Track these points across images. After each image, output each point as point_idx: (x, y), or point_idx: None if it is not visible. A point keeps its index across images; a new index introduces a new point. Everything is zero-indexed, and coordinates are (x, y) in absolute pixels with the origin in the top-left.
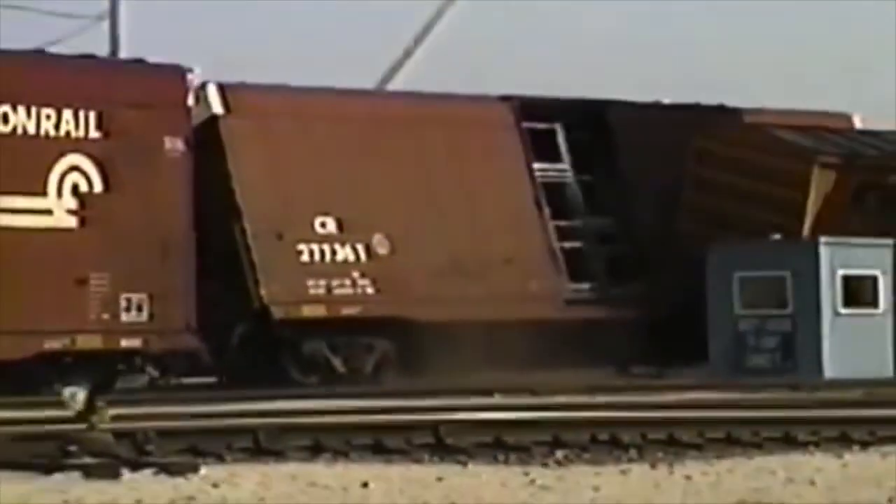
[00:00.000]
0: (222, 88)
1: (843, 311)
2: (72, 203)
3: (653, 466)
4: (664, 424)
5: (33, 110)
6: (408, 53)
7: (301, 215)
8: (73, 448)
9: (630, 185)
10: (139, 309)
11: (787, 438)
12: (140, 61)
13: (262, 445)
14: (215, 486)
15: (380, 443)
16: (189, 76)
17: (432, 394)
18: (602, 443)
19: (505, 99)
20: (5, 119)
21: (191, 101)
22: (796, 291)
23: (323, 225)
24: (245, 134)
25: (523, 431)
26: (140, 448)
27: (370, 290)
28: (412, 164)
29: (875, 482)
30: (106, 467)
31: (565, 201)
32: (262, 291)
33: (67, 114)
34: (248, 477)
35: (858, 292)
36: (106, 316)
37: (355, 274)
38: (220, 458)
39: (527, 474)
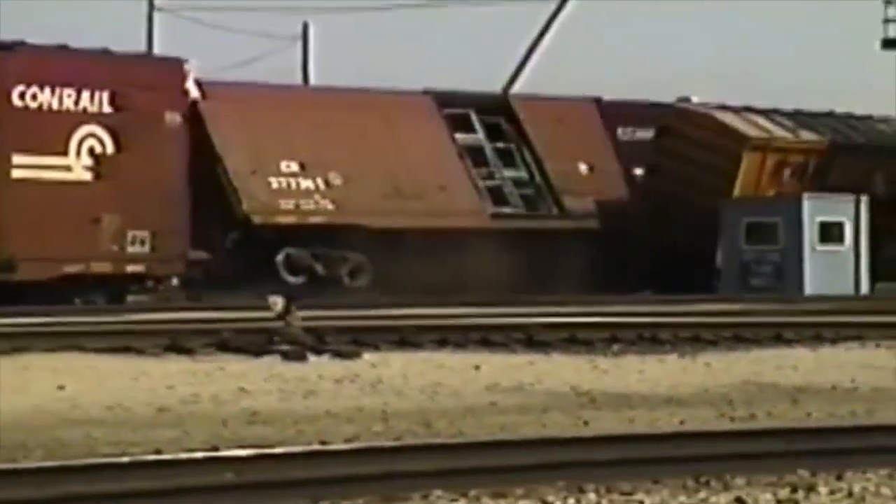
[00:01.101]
0: (199, 82)
1: (818, 247)
2: (88, 161)
3: (681, 356)
4: (691, 327)
5: (57, 90)
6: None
7: (269, 159)
8: (275, 338)
9: (538, 149)
10: (142, 243)
11: (777, 337)
12: (147, 55)
13: (405, 338)
14: (373, 366)
15: (487, 338)
16: (186, 66)
17: (525, 303)
18: (646, 339)
19: (427, 92)
20: (34, 97)
21: (188, 84)
22: (786, 232)
23: (288, 166)
24: (218, 110)
25: (590, 330)
26: (321, 339)
27: (330, 206)
28: (356, 131)
29: (840, 368)
30: (297, 352)
31: (484, 157)
32: (244, 206)
33: (85, 93)
34: (396, 360)
35: (829, 233)
36: (115, 248)
37: (317, 196)
38: (376, 347)
39: (591, 361)
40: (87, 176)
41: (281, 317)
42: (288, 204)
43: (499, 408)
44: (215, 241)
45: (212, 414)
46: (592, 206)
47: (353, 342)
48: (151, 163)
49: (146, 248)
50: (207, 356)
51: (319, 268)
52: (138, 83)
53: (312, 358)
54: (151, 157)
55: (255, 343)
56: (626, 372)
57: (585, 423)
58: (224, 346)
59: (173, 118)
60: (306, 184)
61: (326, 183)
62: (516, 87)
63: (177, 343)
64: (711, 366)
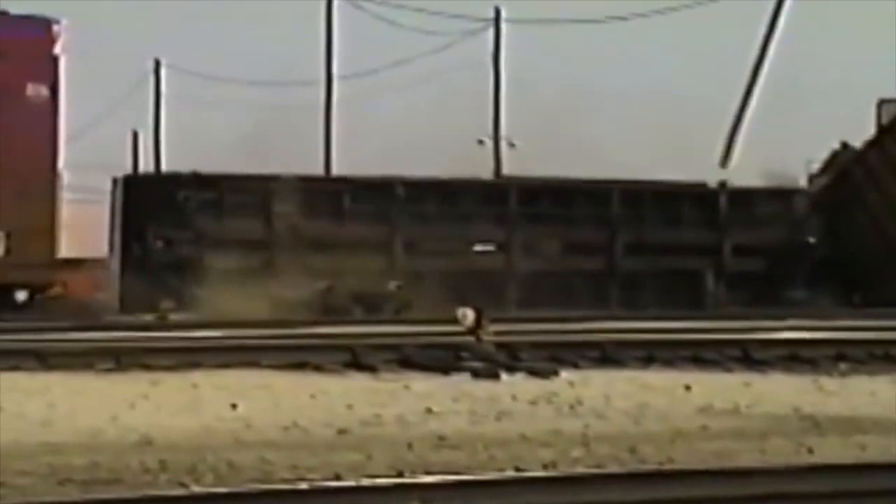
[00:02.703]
0: None
1: None
2: None
3: None
4: None
5: None
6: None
7: None
8: (464, 354)
9: None
10: None
11: None
12: (3, 13)
13: (607, 355)
14: (572, 385)
15: (698, 355)
16: (56, 27)
17: (740, 317)
18: (877, 358)
19: None
20: None
21: (57, 50)
22: None
23: None
24: None
25: (813, 347)
26: (514, 355)
27: None
28: None
29: None
30: (488, 370)
31: None
32: None
33: None
34: (597, 379)
35: None
36: None
37: None
38: (574, 365)
39: (815, 382)
40: None
41: (471, 331)
42: None
43: (712, 432)
44: None
45: (396, 436)
46: None
47: (549, 359)
48: (7, 146)
49: None
50: (390, 373)
51: None
52: None
53: (505, 376)
54: (7, 140)
55: (442, 359)
56: (854, 393)
57: (810, 450)
58: (408, 363)
59: (38, 91)
60: None
61: None
62: None
63: (357, 359)
64: None
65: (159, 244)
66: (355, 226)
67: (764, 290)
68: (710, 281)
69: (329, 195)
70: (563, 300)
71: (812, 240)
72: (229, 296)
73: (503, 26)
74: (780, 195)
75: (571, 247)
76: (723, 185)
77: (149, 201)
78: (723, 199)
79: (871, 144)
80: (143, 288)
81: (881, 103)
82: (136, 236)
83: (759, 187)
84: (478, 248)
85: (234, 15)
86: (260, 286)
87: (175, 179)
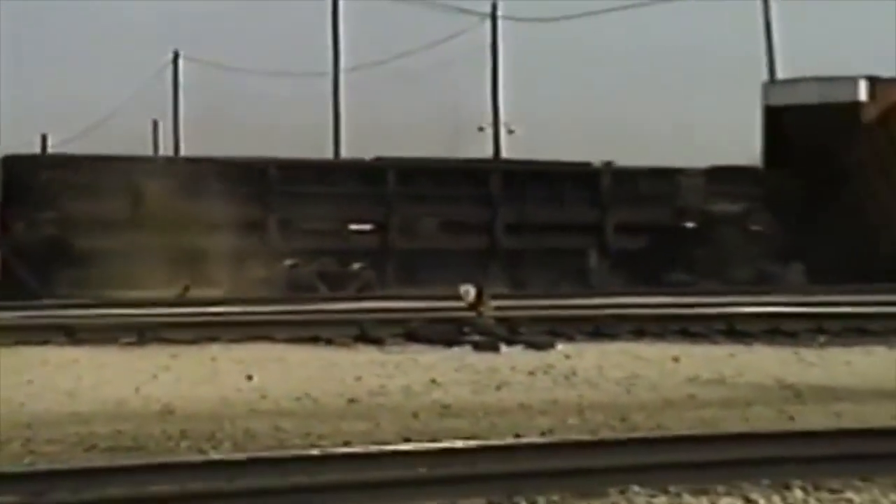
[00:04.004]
0: None
1: None
2: None
3: (891, 348)
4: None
5: None
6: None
7: None
8: (466, 329)
9: None
10: None
11: None
12: None
13: (600, 329)
14: (567, 357)
15: (686, 329)
16: None
17: (726, 293)
18: (852, 330)
19: None
20: None
21: None
22: None
23: None
24: None
25: (794, 321)
26: (513, 329)
27: None
28: None
29: None
30: (489, 343)
31: None
32: None
33: None
34: (591, 351)
35: None
36: None
37: None
38: (570, 338)
39: (796, 353)
40: None
41: (472, 307)
42: None
43: (699, 401)
44: None
45: (402, 406)
46: None
47: (546, 332)
48: None
49: None
50: (397, 346)
51: None
52: None
53: (505, 349)
54: None
55: (445, 333)
56: (832, 364)
57: (791, 417)
58: (413, 337)
59: None
60: None
61: None
62: None
63: (366, 333)
64: None
65: (21, 226)
66: (226, 206)
67: (646, 269)
68: (593, 258)
69: (199, 176)
70: (443, 278)
71: (691, 224)
72: (98, 275)
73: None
74: (664, 175)
75: (451, 225)
76: (607, 164)
77: (16, 183)
78: (606, 179)
79: (853, 139)
80: (14, 270)
81: (768, 85)
82: (7, 218)
83: (643, 167)
84: (353, 227)
85: (251, 8)
86: (127, 265)
87: (38, 160)
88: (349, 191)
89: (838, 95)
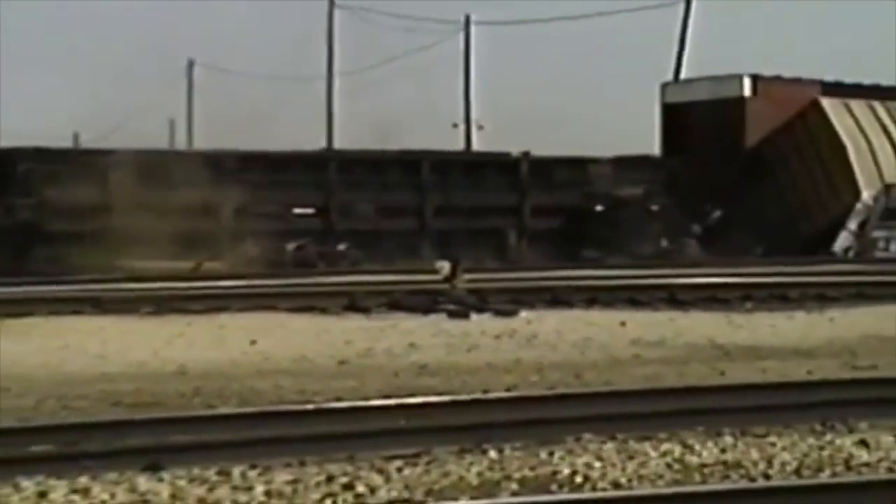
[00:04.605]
0: None
1: None
2: None
3: (808, 312)
4: (818, 286)
5: None
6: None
7: None
8: (441, 299)
9: None
10: None
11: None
12: None
13: (558, 298)
14: (529, 323)
15: (632, 297)
16: None
17: (667, 265)
18: (776, 298)
19: None
20: None
21: None
22: None
23: None
24: None
25: (726, 290)
26: (482, 299)
27: None
28: None
29: None
30: (461, 311)
31: None
32: None
33: None
34: (550, 318)
35: None
36: None
37: None
38: (532, 306)
39: (727, 318)
40: None
41: (447, 279)
42: None
43: (642, 360)
44: None
45: (385, 366)
46: None
47: (511, 301)
48: None
49: None
50: (381, 314)
51: None
52: None
53: (475, 316)
54: None
55: (423, 303)
56: (758, 327)
57: (722, 373)
58: (396, 306)
59: None
60: None
61: None
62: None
63: (354, 303)
64: (836, 321)
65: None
66: (189, 193)
67: (561, 246)
68: (512, 238)
69: (165, 167)
70: (378, 256)
71: (600, 207)
72: (71, 256)
73: (473, 28)
74: (576, 163)
75: (386, 209)
76: (525, 154)
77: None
78: (524, 167)
79: (782, 130)
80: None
81: (664, 85)
82: None
83: (557, 156)
84: (297, 211)
85: (254, 18)
86: (97, 248)
87: (17, 153)
88: (295, 179)
89: (726, 92)
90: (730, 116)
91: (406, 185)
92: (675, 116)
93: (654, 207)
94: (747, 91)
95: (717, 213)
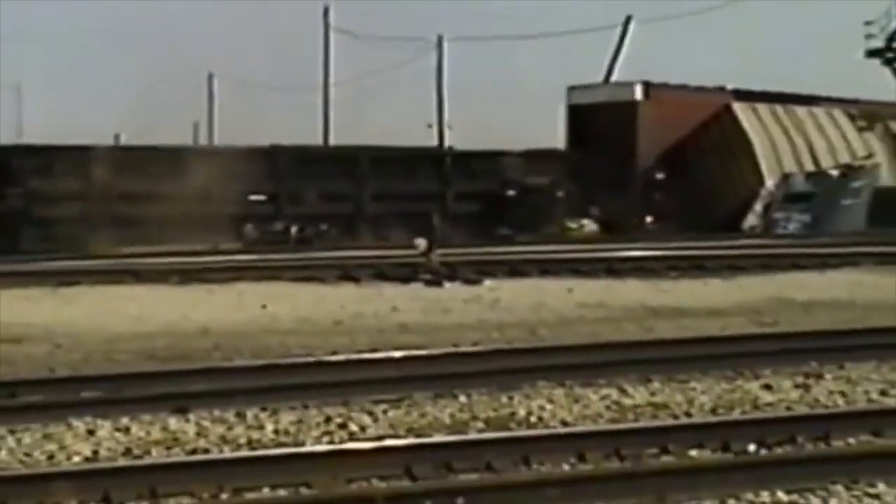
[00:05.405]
0: None
1: None
2: None
3: (723, 280)
4: (729, 258)
5: None
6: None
7: None
8: (419, 270)
9: None
10: None
11: (794, 265)
12: None
13: (515, 269)
14: (492, 290)
15: (577, 268)
16: None
17: (606, 241)
18: (696, 268)
19: None
20: None
21: None
22: None
23: None
24: None
25: (654, 262)
26: (453, 270)
27: None
28: None
29: (841, 287)
30: (436, 280)
31: None
32: None
33: None
34: (509, 286)
35: None
36: None
37: None
38: (494, 276)
39: (655, 285)
40: None
41: (424, 254)
42: None
43: (586, 320)
44: None
45: (373, 326)
46: None
47: (477, 272)
48: None
49: None
50: (370, 283)
51: None
52: None
53: (447, 284)
54: None
55: (405, 273)
56: (680, 292)
57: (650, 329)
58: (382, 276)
59: None
60: None
61: None
62: None
63: (348, 274)
64: (744, 286)
65: None
66: (157, 183)
67: (478, 226)
68: (436, 220)
69: (134, 161)
70: (322, 237)
71: (511, 193)
72: (52, 235)
73: (445, 45)
74: (492, 156)
75: (328, 196)
76: (449, 148)
77: None
78: (448, 160)
79: (701, 130)
80: None
81: (571, 89)
82: None
83: (477, 150)
84: (252, 197)
85: (265, 37)
86: (74, 228)
87: (11, 150)
88: (248, 170)
89: (621, 96)
90: (624, 117)
91: (346, 175)
92: (579, 116)
93: (560, 193)
94: (639, 95)
95: (661, 176)
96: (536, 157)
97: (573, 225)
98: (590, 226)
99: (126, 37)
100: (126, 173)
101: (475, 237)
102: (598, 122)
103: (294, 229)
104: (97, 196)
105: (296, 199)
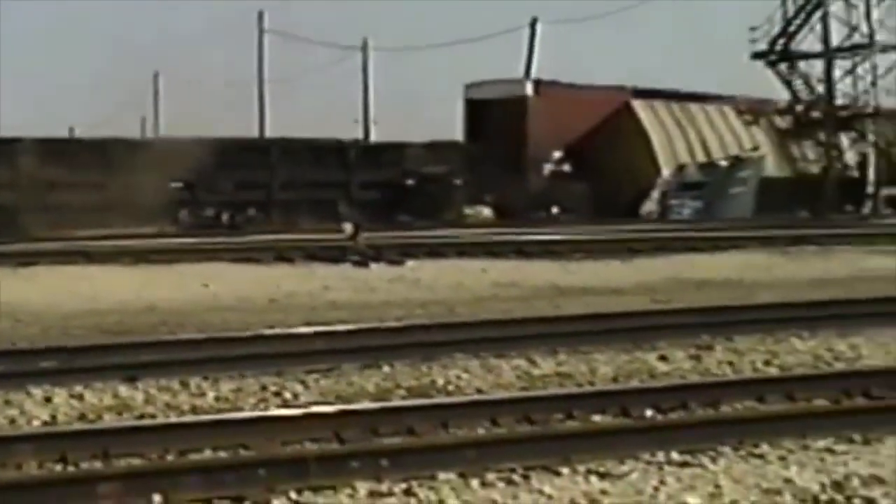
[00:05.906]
0: None
1: None
2: None
3: (622, 261)
4: (629, 241)
5: None
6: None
7: None
8: (347, 251)
9: None
10: None
11: (689, 247)
12: None
13: (435, 250)
14: (413, 270)
15: (491, 250)
16: None
17: (517, 226)
18: (599, 251)
19: None
20: None
21: None
22: None
23: None
24: None
25: (561, 245)
26: (378, 252)
27: None
28: None
29: (730, 267)
30: (362, 261)
31: None
32: None
33: None
34: (430, 266)
35: None
36: None
37: None
38: (416, 257)
39: (563, 266)
40: None
41: (351, 237)
42: None
43: (499, 298)
44: None
45: (306, 303)
46: None
47: (400, 254)
48: None
49: None
50: (303, 264)
51: None
52: None
53: (373, 265)
54: None
55: (334, 255)
56: (586, 272)
57: (557, 306)
58: (314, 257)
59: None
60: None
61: None
62: None
63: (282, 255)
64: (641, 267)
65: None
66: (83, 173)
67: (380, 212)
68: (342, 206)
69: (60, 152)
70: (239, 222)
71: (411, 182)
72: None
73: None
74: (394, 148)
75: (242, 184)
76: (355, 141)
77: None
78: (353, 151)
79: (604, 124)
80: None
81: (468, 86)
82: None
83: (381, 142)
84: (172, 185)
85: (208, 35)
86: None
87: None
88: (170, 160)
89: (514, 92)
90: (516, 112)
91: (259, 164)
92: (475, 111)
93: (457, 182)
94: (529, 92)
95: (567, 168)
96: (436, 149)
97: (470, 211)
98: (485, 212)
99: (80, 37)
100: (52, 164)
101: (377, 223)
102: (493, 117)
103: (225, 216)
104: (25, 185)
105: (211, 187)
